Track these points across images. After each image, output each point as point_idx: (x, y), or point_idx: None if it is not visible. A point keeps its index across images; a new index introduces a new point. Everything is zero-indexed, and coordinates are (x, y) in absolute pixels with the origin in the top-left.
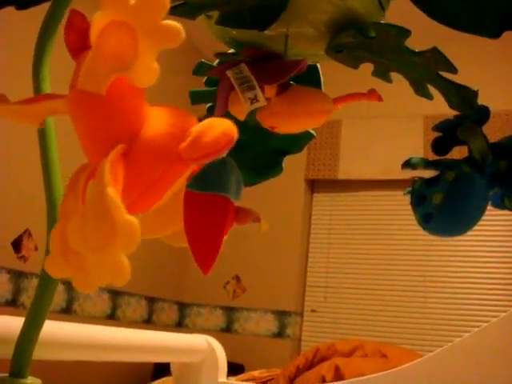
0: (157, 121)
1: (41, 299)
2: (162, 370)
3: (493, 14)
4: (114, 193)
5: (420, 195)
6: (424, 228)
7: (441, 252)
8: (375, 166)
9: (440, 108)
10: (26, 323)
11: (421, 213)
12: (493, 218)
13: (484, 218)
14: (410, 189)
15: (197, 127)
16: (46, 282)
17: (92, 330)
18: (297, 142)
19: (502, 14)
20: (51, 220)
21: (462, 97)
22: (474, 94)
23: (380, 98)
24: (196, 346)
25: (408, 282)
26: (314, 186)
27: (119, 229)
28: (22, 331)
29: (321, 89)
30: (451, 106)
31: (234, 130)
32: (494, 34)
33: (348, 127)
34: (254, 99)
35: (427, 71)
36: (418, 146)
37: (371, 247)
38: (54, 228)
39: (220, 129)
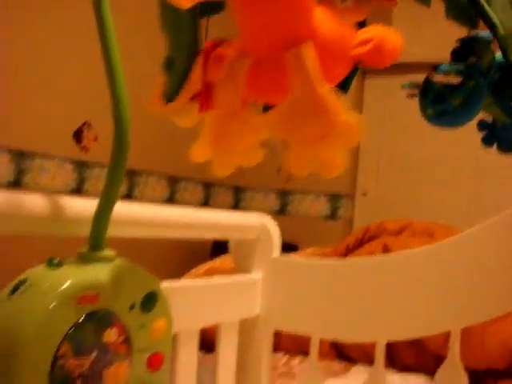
0: (326, 20)
1: (112, 178)
2: (220, 248)
3: None
4: (327, 92)
5: (440, 94)
6: (431, 121)
7: None
8: (428, 47)
9: None
10: (100, 202)
11: (437, 109)
12: None
13: None
14: (416, 83)
15: (374, 34)
16: (117, 163)
17: (153, 210)
18: None
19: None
20: (116, 109)
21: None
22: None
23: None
24: (250, 223)
25: (459, 164)
26: (366, 68)
27: (338, 127)
28: (97, 209)
29: None
30: (452, 19)
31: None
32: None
33: (400, 7)
34: None
35: None
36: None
37: (423, 130)
38: (210, 116)
39: (396, 40)
